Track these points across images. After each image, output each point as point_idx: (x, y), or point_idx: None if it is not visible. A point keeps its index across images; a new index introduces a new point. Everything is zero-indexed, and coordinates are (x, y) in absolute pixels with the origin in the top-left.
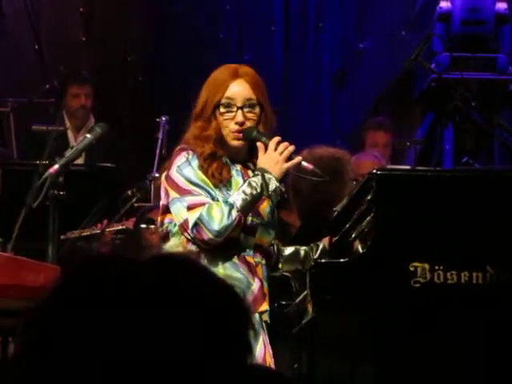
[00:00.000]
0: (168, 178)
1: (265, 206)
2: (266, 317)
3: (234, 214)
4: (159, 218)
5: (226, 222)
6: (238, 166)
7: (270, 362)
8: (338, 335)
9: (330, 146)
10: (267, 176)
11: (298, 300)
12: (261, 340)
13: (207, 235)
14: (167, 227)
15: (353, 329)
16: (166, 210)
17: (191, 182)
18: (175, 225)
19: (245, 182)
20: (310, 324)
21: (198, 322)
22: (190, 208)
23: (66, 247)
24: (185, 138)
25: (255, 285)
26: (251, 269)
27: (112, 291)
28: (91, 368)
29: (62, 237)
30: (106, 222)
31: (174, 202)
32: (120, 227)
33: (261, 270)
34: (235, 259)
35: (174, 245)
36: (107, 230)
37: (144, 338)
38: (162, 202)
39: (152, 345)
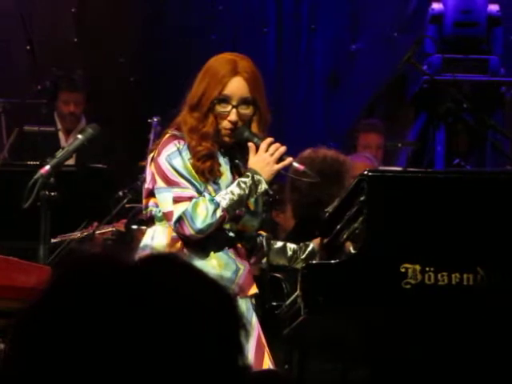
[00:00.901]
0: (156, 164)
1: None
2: (253, 300)
3: (219, 213)
4: (144, 202)
5: (209, 220)
6: (227, 157)
7: (264, 342)
8: (329, 336)
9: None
10: (257, 178)
11: (289, 301)
12: (254, 321)
13: (189, 231)
14: (151, 211)
15: (344, 330)
16: (151, 194)
17: (179, 174)
18: (160, 210)
19: (234, 181)
20: (301, 325)
21: (189, 323)
22: (176, 201)
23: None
24: (177, 122)
25: (244, 268)
26: (239, 253)
27: (102, 293)
28: (80, 370)
29: (53, 240)
30: (96, 223)
31: (160, 191)
32: (111, 229)
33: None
34: (224, 244)
35: (166, 244)
36: (98, 232)
37: (133, 339)
38: (148, 185)
39: (142, 346)
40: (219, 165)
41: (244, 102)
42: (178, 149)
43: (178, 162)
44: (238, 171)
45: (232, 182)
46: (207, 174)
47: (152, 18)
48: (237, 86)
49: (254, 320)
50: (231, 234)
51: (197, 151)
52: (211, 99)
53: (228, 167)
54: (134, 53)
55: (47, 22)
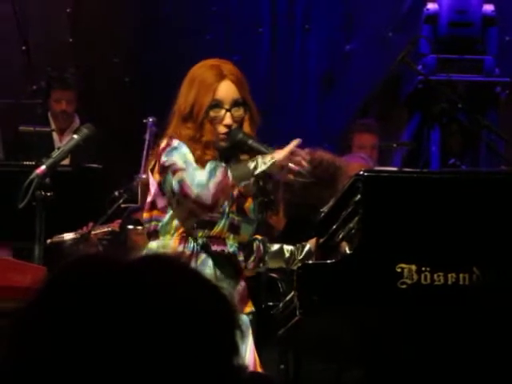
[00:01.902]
0: (159, 167)
1: (249, 204)
2: (251, 317)
3: (219, 170)
4: (145, 215)
5: (208, 175)
6: (223, 160)
7: (258, 362)
8: (324, 336)
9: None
10: (266, 158)
11: (284, 301)
12: (250, 340)
13: (191, 190)
14: (155, 225)
15: (339, 330)
16: (153, 207)
17: (179, 158)
18: (166, 223)
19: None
20: (296, 325)
21: (184, 323)
22: (174, 172)
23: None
24: (168, 134)
25: (240, 285)
26: (237, 269)
27: (97, 293)
28: (75, 369)
29: (48, 241)
30: (91, 224)
31: (164, 181)
32: (106, 229)
33: (243, 270)
34: (223, 259)
35: (162, 245)
36: (93, 232)
37: (129, 339)
38: (151, 198)
39: (138, 345)
40: None
41: (236, 103)
42: (178, 143)
43: (178, 152)
44: None
45: None
46: None
47: (146, 19)
48: (227, 90)
49: (250, 339)
50: (233, 249)
51: (204, 160)
52: (204, 107)
53: None
54: (128, 53)
55: (42, 23)
